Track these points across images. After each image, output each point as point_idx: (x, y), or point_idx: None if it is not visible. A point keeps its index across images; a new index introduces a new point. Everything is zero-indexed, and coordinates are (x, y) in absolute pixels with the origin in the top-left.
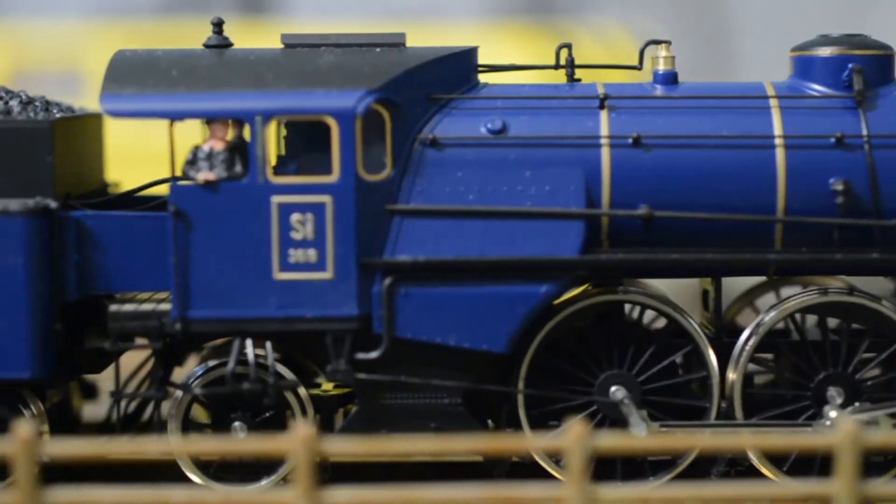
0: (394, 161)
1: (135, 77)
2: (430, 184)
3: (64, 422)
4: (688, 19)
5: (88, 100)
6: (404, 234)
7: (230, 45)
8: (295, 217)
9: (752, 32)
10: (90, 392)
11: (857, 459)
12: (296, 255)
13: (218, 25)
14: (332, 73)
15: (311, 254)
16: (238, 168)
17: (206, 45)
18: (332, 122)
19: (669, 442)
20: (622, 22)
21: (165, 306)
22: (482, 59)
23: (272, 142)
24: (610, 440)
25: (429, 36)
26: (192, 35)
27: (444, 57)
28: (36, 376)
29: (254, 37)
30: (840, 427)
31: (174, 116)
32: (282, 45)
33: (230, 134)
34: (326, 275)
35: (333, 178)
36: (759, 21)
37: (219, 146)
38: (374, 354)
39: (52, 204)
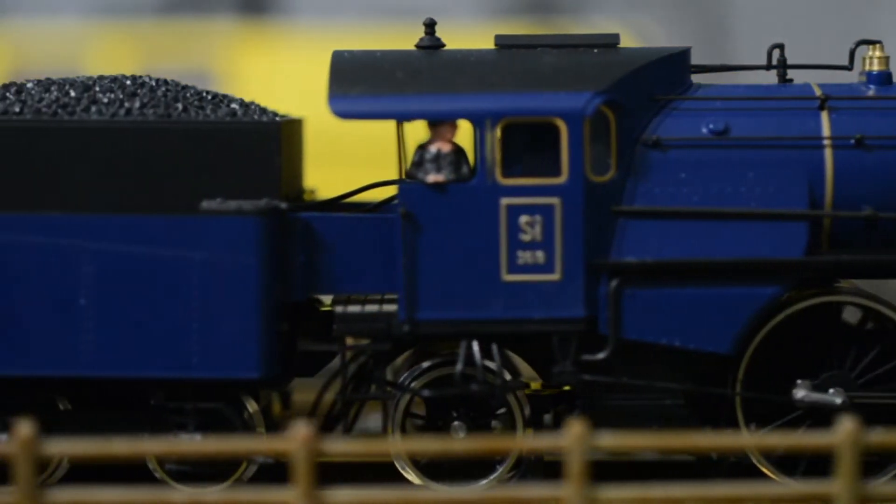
0: (618, 162)
1: (360, 78)
2: (653, 185)
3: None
4: (688, 19)
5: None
6: (629, 235)
7: (443, 45)
8: (523, 219)
9: (752, 32)
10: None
11: (857, 459)
12: (524, 256)
13: (430, 26)
14: (558, 75)
15: (539, 255)
16: (465, 170)
17: (419, 46)
18: (561, 124)
19: (669, 442)
20: (622, 22)
21: (389, 307)
22: None
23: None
24: (610, 440)
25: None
26: (192, 35)
27: (662, 58)
28: (264, 377)
29: (254, 37)
30: (840, 427)
31: (404, 118)
32: (495, 46)
33: (455, 136)
34: (554, 276)
35: (562, 179)
36: (759, 21)
37: (446, 148)
38: (600, 356)
39: (282, 205)
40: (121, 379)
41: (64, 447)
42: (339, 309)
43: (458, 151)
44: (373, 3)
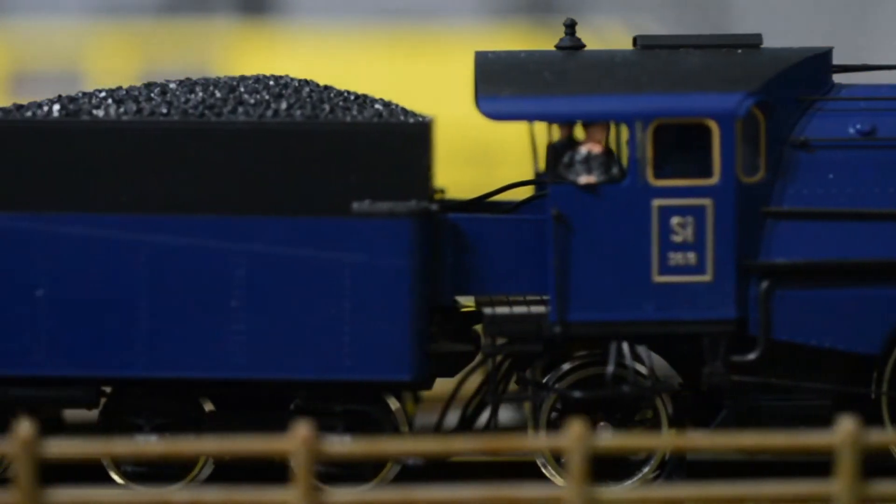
0: (766, 163)
1: (508, 79)
2: (801, 186)
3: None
4: (688, 19)
5: None
6: (779, 236)
7: (583, 46)
8: (675, 220)
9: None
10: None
11: (857, 459)
12: (675, 258)
13: (571, 27)
14: (708, 76)
15: (691, 257)
16: (614, 171)
17: (559, 47)
18: (713, 125)
19: (665, 442)
20: (622, 22)
21: (537, 309)
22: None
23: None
24: (610, 440)
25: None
26: (192, 35)
27: (807, 59)
28: (415, 378)
29: (254, 37)
30: (840, 427)
31: (555, 119)
32: (635, 47)
33: (606, 137)
34: (705, 277)
35: (714, 180)
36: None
37: (596, 149)
38: (751, 356)
39: (433, 206)
40: (270, 381)
41: (64, 447)
42: (488, 311)
43: (609, 153)
44: (373, 3)
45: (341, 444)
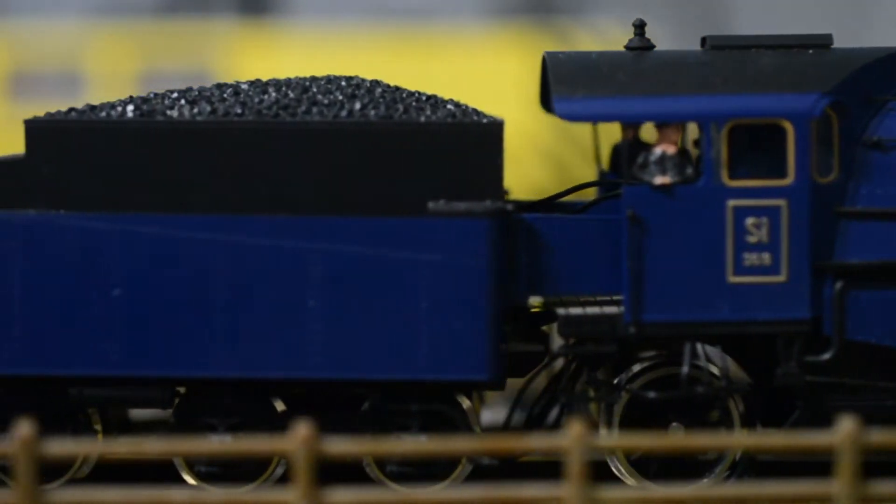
0: (840, 163)
1: (582, 80)
2: (875, 186)
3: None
4: (688, 19)
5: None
6: (853, 236)
7: (653, 47)
8: (750, 220)
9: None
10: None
11: (857, 459)
12: (750, 258)
13: (640, 27)
14: (780, 76)
15: (766, 257)
16: (688, 171)
17: (629, 48)
18: (788, 125)
19: (669, 442)
20: (622, 22)
21: (611, 309)
22: (482, 60)
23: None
24: (610, 440)
25: (428, 36)
26: (192, 35)
27: (878, 59)
28: (491, 378)
29: (254, 36)
30: (840, 427)
31: (630, 120)
32: (704, 47)
33: (680, 138)
34: (780, 278)
35: (788, 181)
36: (759, 21)
37: (671, 150)
38: (824, 357)
39: (509, 206)
40: (344, 381)
41: (63, 447)
42: (562, 311)
43: (683, 153)
44: (373, 3)
45: (341, 444)
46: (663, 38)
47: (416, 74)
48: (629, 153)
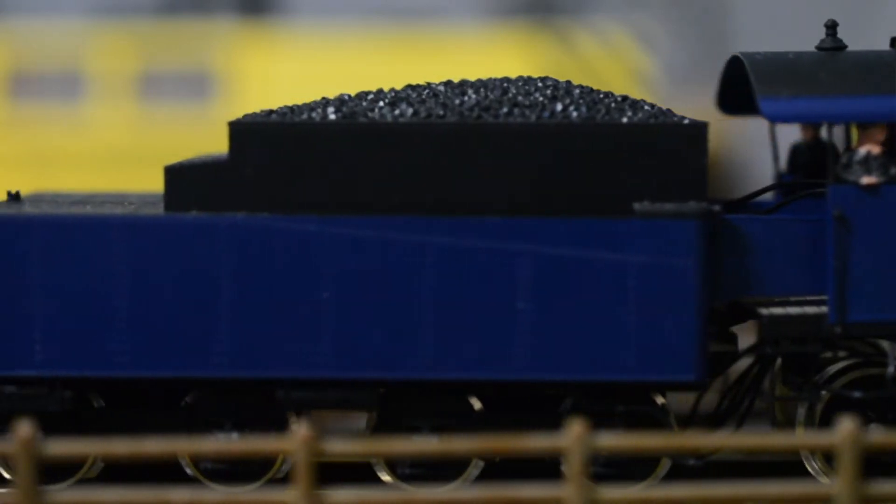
0: None
1: (783, 80)
2: None
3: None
4: (688, 19)
5: (88, 100)
6: None
7: (845, 47)
8: None
9: (752, 32)
10: None
11: (857, 459)
12: None
13: (832, 28)
14: None
15: None
16: (893, 171)
17: (820, 48)
18: None
19: (668, 442)
20: (622, 22)
21: (813, 310)
22: (482, 60)
23: None
24: (609, 440)
25: (429, 35)
26: (192, 35)
27: None
28: (698, 379)
29: (254, 36)
30: (840, 427)
31: (838, 119)
32: (894, 47)
33: (884, 138)
34: None
35: None
36: (759, 20)
37: (875, 150)
38: None
39: (717, 207)
40: (547, 382)
41: (63, 447)
42: (765, 312)
43: (887, 153)
44: (373, 3)
45: (338, 444)
46: (663, 38)
47: (416, 74)
48: (816, 155)
